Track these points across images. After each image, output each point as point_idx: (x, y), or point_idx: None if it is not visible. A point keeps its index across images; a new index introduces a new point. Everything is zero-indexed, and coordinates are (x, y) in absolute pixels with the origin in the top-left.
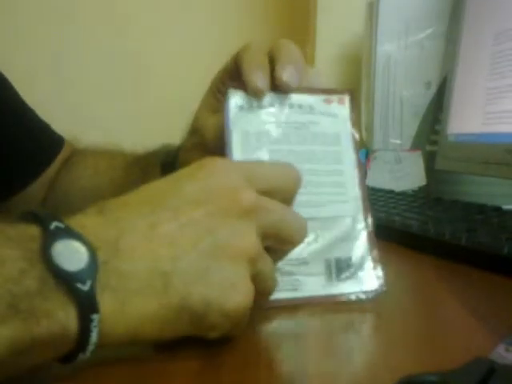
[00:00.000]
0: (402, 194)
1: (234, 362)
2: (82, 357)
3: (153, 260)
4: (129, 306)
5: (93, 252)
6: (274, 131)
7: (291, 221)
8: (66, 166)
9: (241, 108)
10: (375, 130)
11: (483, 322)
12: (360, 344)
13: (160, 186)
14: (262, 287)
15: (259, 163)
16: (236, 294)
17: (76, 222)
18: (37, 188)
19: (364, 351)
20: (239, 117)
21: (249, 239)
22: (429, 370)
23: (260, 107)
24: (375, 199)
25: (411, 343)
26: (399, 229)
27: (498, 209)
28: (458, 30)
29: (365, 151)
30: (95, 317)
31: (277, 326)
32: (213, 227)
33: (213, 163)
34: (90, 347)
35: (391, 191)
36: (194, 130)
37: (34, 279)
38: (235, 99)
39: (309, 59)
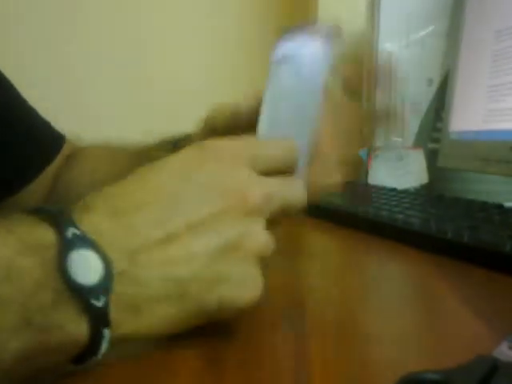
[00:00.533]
0: (404, 191)
1: (236, 359)
2: (93, 359)
3: (168, 268)
4: (145, 315)
5: (108, 264)
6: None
7: (294, 194)
8: (68, 163)
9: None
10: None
11: (485, 320)
12: (361, 341)
13: (167, 182)
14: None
15: (260, 144)
16: (248, 291)
17: (91, 226)
18: (38, 186)
19: (365, 348)
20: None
21: (258, 238)
22: (430, 368)
23: None
24: (377, 197)
25: (412, 341)
26: (401, 226)
27: (499, 206)
28: (459, 27)
29: (366, 149)
30: (106, 331)
31: (277, 323)
32: (222, 229)
33: (214, 148)
34: (101, 353)
35: (393, 189)
36: (207, 118)
37: (48, 292)
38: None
39: None
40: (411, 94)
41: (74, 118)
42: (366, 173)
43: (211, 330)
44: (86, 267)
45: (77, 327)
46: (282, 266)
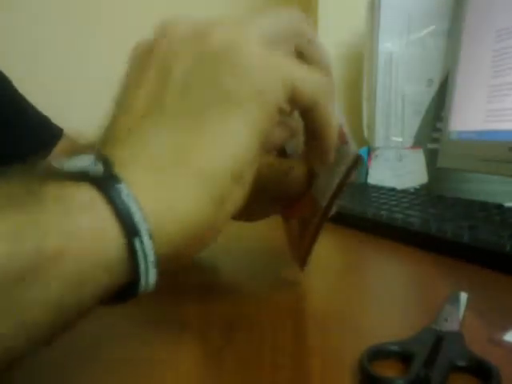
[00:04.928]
0: (404, 191)
1: (236, 359)
2: (145, 266)
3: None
4: (164, 158)
5: (98, 152)
6: None
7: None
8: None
9: None
10: (377, 128)
11: (485, 320)
12: (361, 341)
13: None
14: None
15: (260, 16)
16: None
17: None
18: None
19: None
20: None
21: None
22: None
23: None
24: (377, 197)
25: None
26: (401, 226)
27: (499, 206)
28: (459, 27)
29: (366, 149)
30: (121, 186)
31: (276, 320)
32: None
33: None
34: (142, 228)
35: (393, 189)
36: None
37: (35, 183)
38: None
39: None
40: (411, 94)
41: (77, 115)
42: (366, 173)
43: (211, 330)
44: (75, 161)
45: (75, 193)
46: (282, 266)
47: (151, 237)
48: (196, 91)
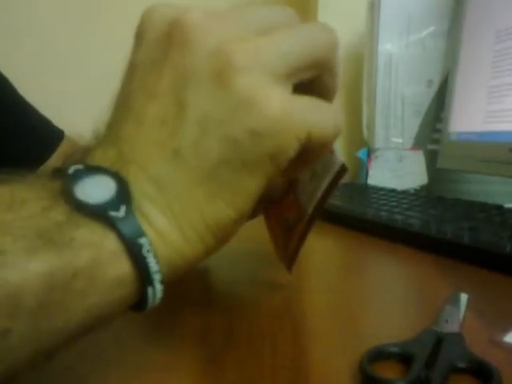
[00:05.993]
0: (404, 192)
1: (236, 360)
2: (153, 296)
3: (158, 149)
4: (170, 208)
5: (120, 179)
6: None
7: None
8: (67, 161)
9: None
10: (377, 129)
11: (485, 320)
12: (361, 341)
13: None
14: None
15: (284, 33)
16: (256, 107)
17: (91, 159)
18: None
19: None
20: None
21: (227, 48)
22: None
23: None
24: (377, 198)
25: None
26: (401, 227)
27: (499, 207)
28: (459, 28)
29: (366, 150)
30: (144, 241)
31: (275, 322)
32: (183, 74)
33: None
34: (155, 277)
35: (393, 190)
36: None
37: (60, 213)
38: None
39: None
40: (411, 95)
41: (77, 115)
42: (366, 174)
43: (211, 333)
44: (95, 188)
45: (104, 242)
46: (280, 267)
47: (162, 282)
48: (212, 144)
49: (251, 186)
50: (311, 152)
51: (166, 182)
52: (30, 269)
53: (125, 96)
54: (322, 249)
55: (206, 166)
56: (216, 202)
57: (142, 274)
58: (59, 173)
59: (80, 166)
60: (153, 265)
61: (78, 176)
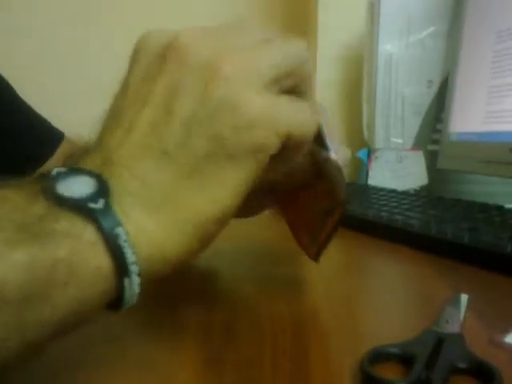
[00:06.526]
0: (404, 193)
1: (236, 359)
2: (130, 288)
3: (146, 151)
4: (168, 205)
5: (99, 176)
6: None
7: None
8: (67, 162)
9: None
10: (377, 129)
11: (485, 321)
12: (362, 342)
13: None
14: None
15: (273, 45)
16: (238, 107)
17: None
18: None
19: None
20: None
21: (220, 58)
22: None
23: None
24: (377, 198)
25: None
26: (401, 228)
27: (499, 208)
28: (459, 28)
29: (366, 150)
30: (120, 230)
31: (275, 322)
32: (176, 83)
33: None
34: (132, 268)
35: (393, 190)
36: None
37: (41, 207)
38: None
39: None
40: (411, 95)
41: (77, 115)
42: (366, 174)
43: (211, 333)
44: (76, 185)
45: (83, 233)
46: (280, 267)
47: (139, 275)
48: (197, 140)
49: (235, 180)
50: (290, 150)
51: (152, 180)
52: (10, 260)
53: (117, 108)
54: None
55: (192, 162)
56: (200, 196)
57: (119, 264)
58: (43, 177)
59: (63, 169)
60: (129, 255)
61: (59, 177)
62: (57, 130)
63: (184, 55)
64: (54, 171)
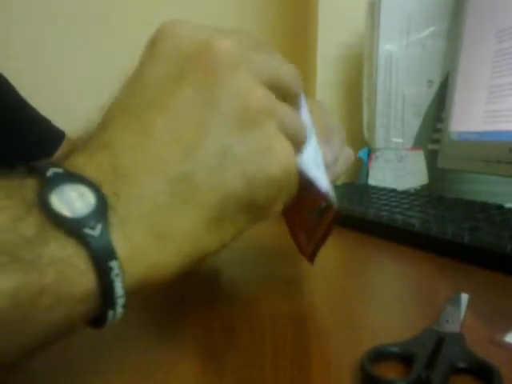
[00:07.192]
0: (404, 192)
1: (236, 360)
2: (113, 317)
3: (164, 167)
4: (162, 234)
5: (98, 191)
6: None
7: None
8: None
9: None
10: (377, 129)
11: (485, 320)
12: (361, 342)
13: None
14: (294, 137)
15: (272, 56)
16: (274, 154)
17: (72, 164)
18: None
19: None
20: None
21: (254, 92)
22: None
23: None
24: (377, 198)
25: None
26: (401, 227)
27: (500, 207)
28: (459, 28)
29: (367, 150)
30: (114, 264)
31: (276, 322)
32: (209, 99)
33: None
34: (119, 301)
35: (393, 190)
36: None
37: (31, 225)
38: None
39: (310, 59)
40: (411, 95)
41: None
42: (367, 174)
43: (212, 332)
44: (73, 200)
45: (73, 259)
46: (281, 266)
47: (124, 306)
48: (229, 178)
49: (248, 225)
50: None
51: (161, 204)
52: None
53: (129, 103)
54: (322, 249)
55: (217, 197)
56: (208, 233)
57: (107, 297)
58: (36, 172)
59: (59, 170)
60: (119, 289)
61: (55, 182)
62: (58, 129)
63: (219, 65)
64: (50, 172)
